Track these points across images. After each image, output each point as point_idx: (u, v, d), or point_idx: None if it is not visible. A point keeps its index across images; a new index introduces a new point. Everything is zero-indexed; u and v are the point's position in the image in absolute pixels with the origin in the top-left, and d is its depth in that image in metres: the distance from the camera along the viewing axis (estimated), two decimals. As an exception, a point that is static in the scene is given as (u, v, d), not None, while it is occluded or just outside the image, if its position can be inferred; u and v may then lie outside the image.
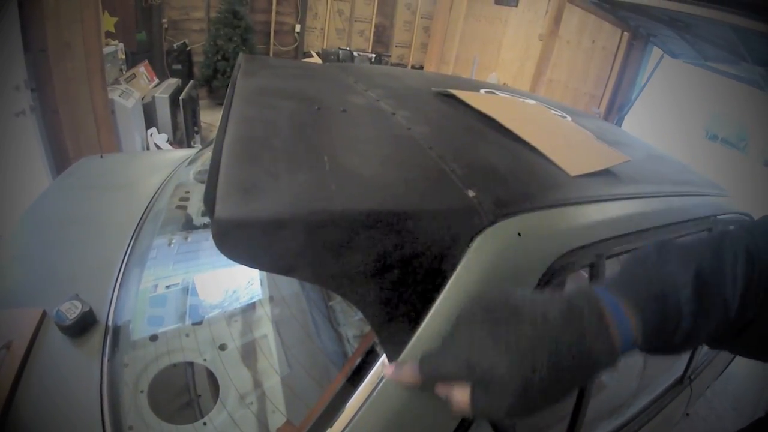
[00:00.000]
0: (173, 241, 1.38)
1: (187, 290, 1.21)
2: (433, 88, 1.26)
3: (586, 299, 0.46)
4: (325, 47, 7.25)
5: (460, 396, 0.47)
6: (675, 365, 1.45)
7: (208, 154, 1.32)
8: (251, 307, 1.21)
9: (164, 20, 5.53)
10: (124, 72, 3.85)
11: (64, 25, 2.60)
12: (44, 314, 0.96)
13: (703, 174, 1.55)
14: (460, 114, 1.10)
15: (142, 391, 0.92)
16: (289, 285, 1.24)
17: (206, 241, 1.36)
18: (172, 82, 4.37)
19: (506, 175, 0.80)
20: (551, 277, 0.71)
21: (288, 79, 1.13)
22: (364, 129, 0.88)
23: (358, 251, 0.56)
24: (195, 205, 1.49)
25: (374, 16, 7.58)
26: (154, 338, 1.06)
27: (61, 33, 2.59)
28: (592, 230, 0.81)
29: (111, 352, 0.92)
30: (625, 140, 1.44)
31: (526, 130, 1.01)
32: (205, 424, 0.91)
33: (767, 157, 4.58)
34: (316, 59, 6.62)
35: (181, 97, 4.13)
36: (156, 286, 1.20)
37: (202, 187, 1.45)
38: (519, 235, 0.68)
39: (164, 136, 3.91)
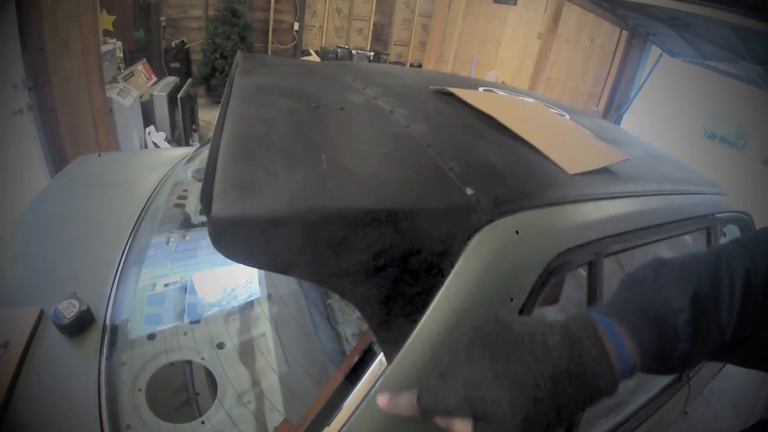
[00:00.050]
0: (171, 239, 1.37)
1: (185, 289, 1.21)
2: (431, 87, 1.26)
3: (583, 326, 0.46)
4: (323, 45, 7.24)
5: (462, 428, 0.47)
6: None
7: (206, 152, 1.32)
8: (249, 305, 1.21)
9: (162, 18, 5.51)
10: (122, 70, 3.84)
11: (62, 24, 2.59)
12: (42, 313, 0.96)
13: (702, 173, 1.55)
14: (459, 112, 1.10)
15: (139, 390, 0.92)
16: (287, 283, 1.24)
17: (204, 239, 1.36)
18: (170, 80, 4.35)
19: (504, 173, 0.80)
20: (549, 275, 0.71)
21: (286, 77, 1.13)
22: (362, 127, 0.87)
23: (356, 249, 0.56)
24: (193, 204, 1.49)
25: (373, 15, 7.56)
26: (151, 337, 1.05)
27: (58, 31, 2.58)
28: (591, 228, 0.81)
29: (109, 350, 0.92)
30: (623, 139, 1.44)
31: (524, 128, 1.01)
32: (203, 422, 0.91)
33: (766, 156, 4.58)
34: (314, 57, 6.62)
35: (179, 96, 4.12)
36: (154, 284, 1.20)
37: (200, 186, 1.44)
38: (517, 233, 0.68)
39: (162, 135, 3.90)
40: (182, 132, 4.25)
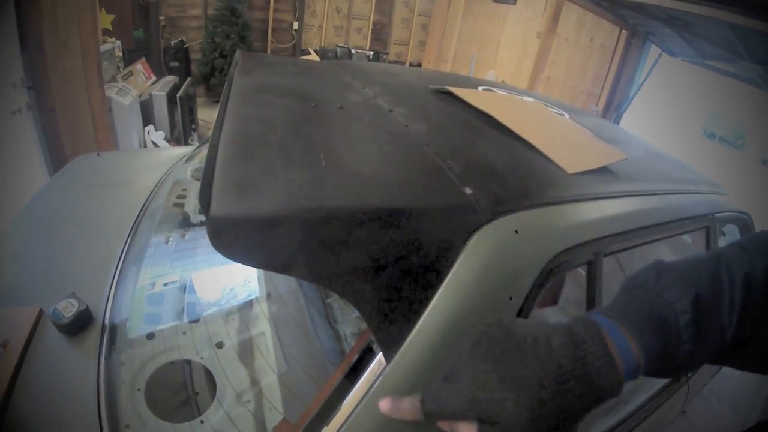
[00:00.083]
0: (170, 238, 1.37)
1: (184, 288, 1.21)
2: (430, 86, 1.26)
3: (586, 328, 0.46)
4: (323, 45, 7.23)
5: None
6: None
7: (205, 151, 1.32)
8: (248, 304, 1.21)
9: (161, 17, 5.50)
10: (121, 69, 3.83)
11: (61, 23, 2.58)
12: (41, 313, 0.96)
13: (701, 172, 1.55)
14: (458, 111, 1.10)
15: (139, 389, 0.92)
16: (286, 282, 1.24)
17: (203, 238, 1.35)
18: (170, 79, 4.34)
19: (504, 172, 0.80)
20: (548, 274, 0.71)
21: (285, 76, 1.13)
22: (361, 126, 0.87)
23: (355, 249, 0.56)
24: (192, 203, 1.49)
25: (372, 14, 7.56)
26: (151, 336, 1.05)
27: (58, 31, 2.57)
28: (590, 228, 0.81)
29: (108, 350, 0.92)
30: (622, 138, 1.44)
31: (523, 127, 1.01)
32: (202, 422, 0.91)
33: (765, 155, 4.59)
34: (313, 57, 6.61)
35: (178, 95, 4.12)
36: (153, 284, 1.20)
37: (199, 185, 1.44)
38: (516, 232, 0.68)
39: (161, 134, 3.90)
40: (181, 131, 4.24)
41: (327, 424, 0.62)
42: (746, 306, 0.49)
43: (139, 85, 3.93)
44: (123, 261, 1.15)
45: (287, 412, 0.92)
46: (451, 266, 0.62)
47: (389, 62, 7.72)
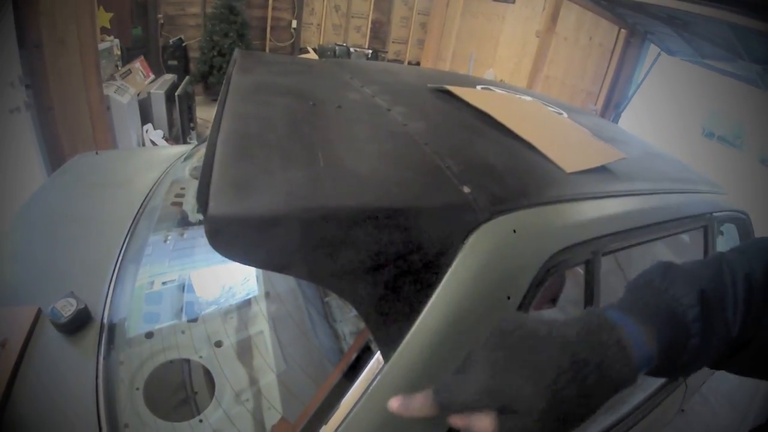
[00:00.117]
0: (169, 237, 1.37)
1: (182, 287, 1.21)
2: (429, 85, 1.26)
3: (598, 319, 0.46)
4: (321, 43, 7.22)
5: (483, 424, 0.45)
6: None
7: (203, 150, 1.32)
8: (247, 303, 1.21)
9: (160, 16, 5.49)
10: (119, 68, 3.82)
11: (59, 21, 2.58)
12: (39, 312, 0.95)
13: (700, 171, 1.55)
14: (456, 110, 1.09)
15: (137, 389, 0.92)
16: (284, 281, 1.24)
17: (202, 237, 1.35)
18: (168, 78, 4.34)
19: (502, 171, 0.80)
20: (547, 273, 0.71)
21: (283, 75, 1.12)
22: (359, 125, 0.87)
23: (353, 248, 0.56)
24: (191, 202, 1.49)
25: (371, 12, 7.55)
26: (149, 335, 1.05)
27: (56, 29, 2.57)
28: (588, 227, 0.81)
29: (106, 349, 0.92)
30: (621, 137, 1.44)
31: (522, 126, 1.01)
32: (201, 421, 0.91)
33: (764, 154, 4.59)
34: (312, 55, 6.59)
35: (176, 93, 4.11)
36: (151, 283, 1.20)
37: (197, 184, 1.44)
38: (514, 231, 0.68)
39: (160, 133, 3.89)
40: (180, 130, 4.23)
41: (325, 423, 0.62)
42: (749, 306, 0.50)
43: (138, 84, 3.93)
44: (121, 260, 1.15)
45: (286, 411, 0.92)
46: (449, 265, 0.62)
47: (388, 61, 7.72)
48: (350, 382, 0.63)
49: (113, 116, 3.32)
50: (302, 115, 0.84)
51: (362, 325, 0.94)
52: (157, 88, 4.00)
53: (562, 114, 1.36)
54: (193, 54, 5.97)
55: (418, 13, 7.91)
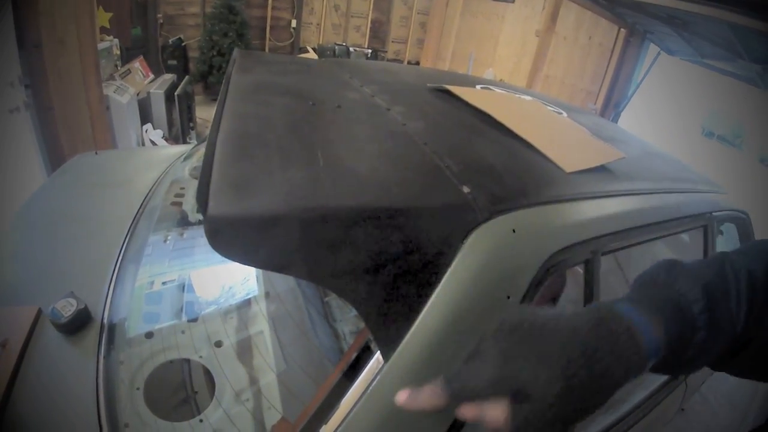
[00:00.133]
0: (169, 237, 1.37)
1: (182, 287, 1.21)
2: (428, 84, 1.26)
3: (606, 310, 0.47)
4: (321, 43, 7.22)
5: (495, 412, 0.44)
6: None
7: (203, 149, 1.32)
8: (247, 303, 1.21)
9: (159, 15, 5.49)
10: (119, 68, 3.82)
11: (59, 21, 2.58)
12: (39, 312, 0.95)
13: (700, 171, 1.55)
14: (456, 110, 1.09)
15: (138, 389, 0.92)
16: (284, 281, 1.24)
17: (202, 237, 1.35)
18: (168, 77, 4.34)
19: (501, 171, 0.80)
20: (546, 273, 0.71)
21: (283, 74, 1.12)
22: (359, 125, 0.87)
23: (353, 248, 0.56)
24: (190, 202, 1.49)
25: (370, 12, 7.55)
26: (149, 335, 1.05)
27: (55, 29, 2.57)
28: (588, 227, 0.82)
29: (107, 349, 0.92)
30: (621, 137, 1.44)
31: (521, 126, 1.01)
32: (201, 421, 0.91)
33: (763, 154, 4.59)
34: (312, 55, 6.59)
35: (176, 93, 4.11)
36: (151, 283, 1.20)
37: (197, 183, 1.44)
38: (514, 231, 0.68)
39: (159, 132, 3.89)
40: (179, 129, 4.23)
41: (325, 423, 0.62)
42: (751, 305, 0.50)
43: (137, 84, 3.92)
44: (121, 260, 1.15)
45: (286, 411, 0.92)
46: (448, 265, 0.62)
47: (387, 60, 7.71)
48: (350, 381, 0.63)
49: (113, 116, 3.32)
50: (302, 115, 0.84)
51: (362, 325, 0.94)
52: (157, 87, 4.00)
53: (561, 113, 1.36)
54: (193, 54, 5.97)
55: (418, 13, 7.91)
